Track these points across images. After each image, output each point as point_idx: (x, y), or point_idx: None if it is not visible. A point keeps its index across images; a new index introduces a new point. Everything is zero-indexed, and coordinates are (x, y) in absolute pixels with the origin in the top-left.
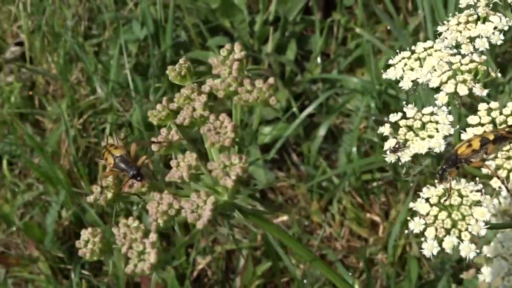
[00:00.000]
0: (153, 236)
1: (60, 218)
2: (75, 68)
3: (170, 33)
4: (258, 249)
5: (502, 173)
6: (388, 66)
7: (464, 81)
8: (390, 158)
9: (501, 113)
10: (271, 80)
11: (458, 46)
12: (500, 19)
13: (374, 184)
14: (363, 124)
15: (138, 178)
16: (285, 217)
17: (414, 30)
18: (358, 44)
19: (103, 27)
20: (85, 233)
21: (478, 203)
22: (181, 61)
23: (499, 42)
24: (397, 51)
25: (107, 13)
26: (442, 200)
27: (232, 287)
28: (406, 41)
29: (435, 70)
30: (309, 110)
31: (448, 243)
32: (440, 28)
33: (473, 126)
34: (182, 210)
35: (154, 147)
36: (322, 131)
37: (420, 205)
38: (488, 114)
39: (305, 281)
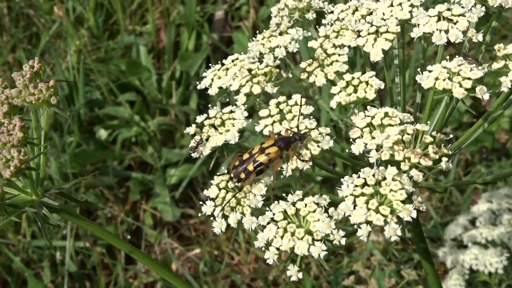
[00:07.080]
0: None
1: None
2: None
3: (82, 93)
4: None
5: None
6: (201, 79)
7: (258, 82)
8: (195, 154)
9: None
10: (52, 82)
11: (262, 56)
12: (296, 31)
13: None
14: None
15: None
16: (198, 250)
17: None
18: None
19: None
20: None
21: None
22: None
23: (295, 50)
24: (210, 65)
25: None
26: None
27: None
28: None
29: (236, 76)
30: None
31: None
32: (249, 44)
33: (264, 117)
34: None
35: None
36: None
37: (210, 190)
38: (277, 107)
39: None
